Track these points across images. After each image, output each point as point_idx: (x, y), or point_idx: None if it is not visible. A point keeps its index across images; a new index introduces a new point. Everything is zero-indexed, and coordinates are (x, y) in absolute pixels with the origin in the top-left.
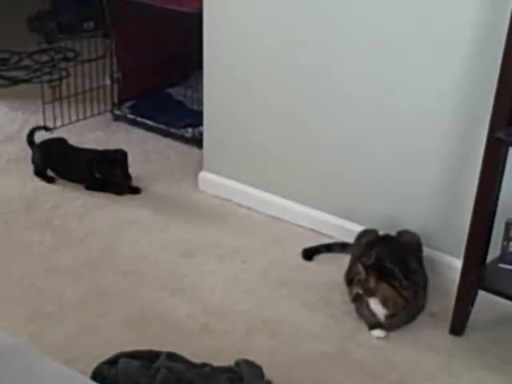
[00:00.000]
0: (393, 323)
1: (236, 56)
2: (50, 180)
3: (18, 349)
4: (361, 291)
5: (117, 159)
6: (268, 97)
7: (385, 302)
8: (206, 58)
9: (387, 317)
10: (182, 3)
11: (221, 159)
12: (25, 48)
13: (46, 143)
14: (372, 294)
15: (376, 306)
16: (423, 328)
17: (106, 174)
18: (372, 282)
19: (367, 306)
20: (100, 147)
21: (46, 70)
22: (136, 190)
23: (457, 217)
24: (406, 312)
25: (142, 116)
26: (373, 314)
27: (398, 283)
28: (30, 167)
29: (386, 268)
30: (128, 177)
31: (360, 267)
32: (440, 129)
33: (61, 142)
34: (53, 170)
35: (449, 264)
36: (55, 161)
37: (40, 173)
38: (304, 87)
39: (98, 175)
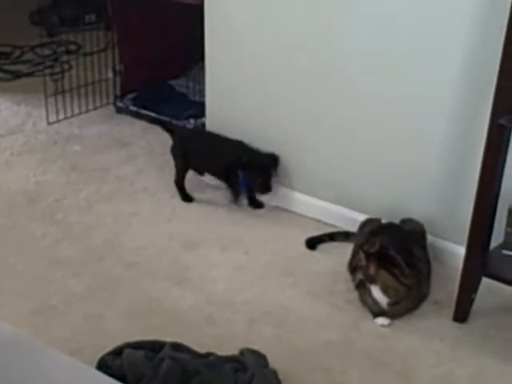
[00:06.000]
0: (396, 311)
1: (237, 47)
2: (186, 199)
3: (23, 340)
4: (362, 277)
5: (262, 165)
6: (269, 87)
7: (385, 290)
8: (207, 50)
9: (389, 304)
10: None
11: None
12: (27, 42)
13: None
14: (373, 281)
15: (378, 293)
16: (427, 316)
17: (248, 177)
18: (372, 270)
19: (370, 293)
20: (103, 140)
21: (48, 63)
22: (259, 205)
23: (460, 204)
24: (409, 300)
25: (144, 108)
26: (376, 302)
27: (398, 271)
28: (33, 160)
29: (388, 256)
30: (267, 188)
31: (361, 254)
32: (442, 116)
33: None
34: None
35: (452, 251)
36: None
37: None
38: (306, 77)
39: (240, 177)
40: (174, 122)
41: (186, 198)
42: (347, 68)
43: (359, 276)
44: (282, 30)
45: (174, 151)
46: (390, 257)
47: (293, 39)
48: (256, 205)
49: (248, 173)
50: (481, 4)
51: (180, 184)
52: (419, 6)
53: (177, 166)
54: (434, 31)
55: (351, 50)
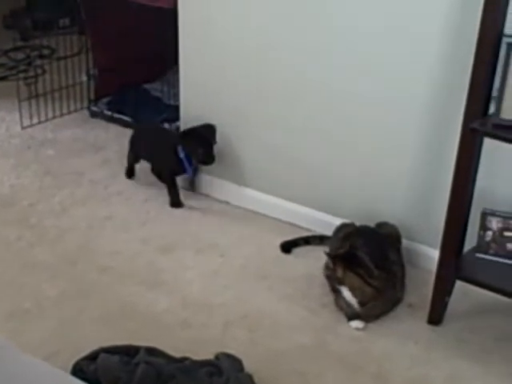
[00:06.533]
0: (369, 313)
1: (212, 50)
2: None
3: None
4: (334, 282)
5: (201, 136)
6: (244, 90)
7: (353, 291)
8: (181, 53)
9: (360, 305)
10: None
11: None
12: (0, 46)
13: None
14: (341, 282)
15: (347, 294)
16: (401, 318)
17: (188, 152)
18: (339, 272)
19: (342, 296)
20: (77, 144)
21: (22, 67)
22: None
23: (434, 207)
24: (379, 301)
25: (118, 112)
26: (348, 304)
27: (364, 272)
28: (7, 165)
29: (354, 257)
30: (211, 157)
31: (327, 258)
32: (416, 120)
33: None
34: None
35: (426, 254)
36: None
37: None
38: (281, 80)
39: (181, 155)
40: None
41: (129, 173)
42: (322, 70)
43: (327, 273)
44: (257, 34)
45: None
46: (357, 257)
47: (267, 43)
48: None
49: (188, 147)
50: (454, 9)
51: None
52: (394, 9)
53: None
54: (405, 35)
55: (326, 51)
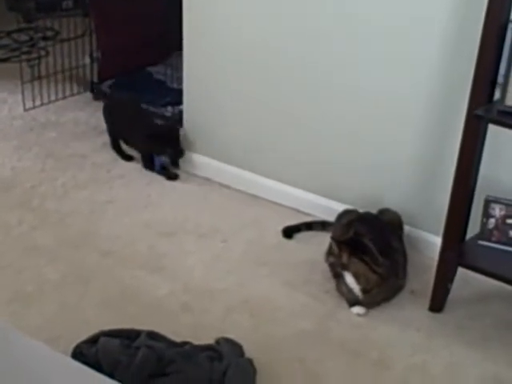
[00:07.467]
0: (371, 300)
1: (216, 34)
2: (126, 158)
3: None
4: (337, 267)
5: (168, 136)
6: (247, 75)
7: (357, 277)
8: (185, 37)
9: (362, 292)
10: None
11: (200, 138)
12: (3, 27)
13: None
14: (345, 268)
15: (350, 280)
16: (403, 305)
17: (158, 151)
18: (345, 258)
19: (344, 281)
20: (80, 127)
21: (25, 49)
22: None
23: (436, 194)
24: (382, 288)
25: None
26: (350, 290)
27: (370, 259)
28: (9, 147)
29: (360, 243)
30: (180, 153)
31: (333, 243)
32: (418, 107)
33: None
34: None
35: (428, 241)
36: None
37: (114, 146)
38: (283, 67)
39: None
40: (152, 109)
41: (126, 157)
42: (323, 62)
43: (330, 260)
44: (261, 20)
45: (104, 114)
46: (363, 244)
47: (270, 32)
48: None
49: (156, 150)
50: None
51: (115, 148)
52: (396, 2)
53: (108, 130)
54: (409, 24)
55: (327, 46)
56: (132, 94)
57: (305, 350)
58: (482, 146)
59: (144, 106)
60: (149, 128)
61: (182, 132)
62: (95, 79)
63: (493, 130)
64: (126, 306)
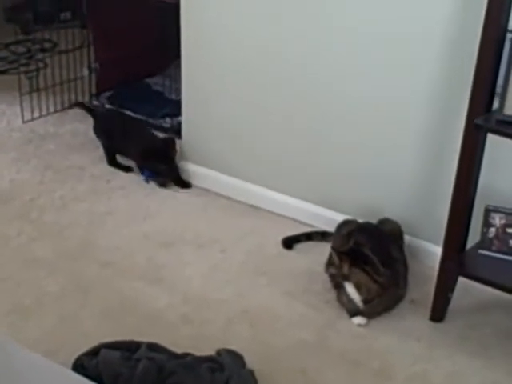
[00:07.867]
0: (372, 310)
1: (214, 45)
2: (125, 169)
3: None
4: (338, 278)
5: (162, 153)
6: (246, 86)
7: (358, 288)
8: (183, 48)
9: (364, 302)
10: None
11: (199, 149)
12: (1, 39)
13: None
14: (346, 278)
15: (351, 290)
16: (403, 315)
17: (152, 167)
18: (345, 268)
19: (345, 291)
20: (78, 139)
21: (23, 61)
22: (186, 185)
23: (436, 204)
24: (383, 298)
25: (120, 106)
26: (351, 301)
27: (371, 269)
28: (7, 159)
29: (361, 253)
30: (174, 170)
31: (334, 254)
32: (418, 116)
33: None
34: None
35: (428, 251)
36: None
37: (111, 162)
38: (282, 77)
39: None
40: (150, 120)
41: (125, 169)
42: (323, 71)
43: (331, 271)
44: (259, 30)
45: (96, 131)
46: (363, 254)
47: (269, 42)
48: (183, 184)
49: (150, 165)
50: (458, 4)
51: (112, 163)
52: (396, 3)
53: (103, 146)
54: (408, 32)
55: (326, 54)
56: (116, 108)
57: (305, 360)
58: (482, 155)
59: (143, 117)
60: (142, 143)
61: (179, 144)
62: (93, 91)
63: (492, 139)
64: (125, 317)
